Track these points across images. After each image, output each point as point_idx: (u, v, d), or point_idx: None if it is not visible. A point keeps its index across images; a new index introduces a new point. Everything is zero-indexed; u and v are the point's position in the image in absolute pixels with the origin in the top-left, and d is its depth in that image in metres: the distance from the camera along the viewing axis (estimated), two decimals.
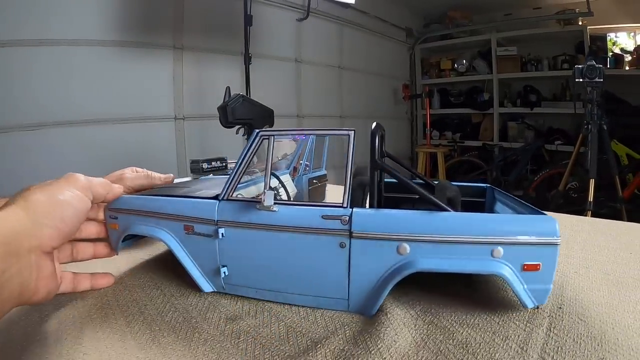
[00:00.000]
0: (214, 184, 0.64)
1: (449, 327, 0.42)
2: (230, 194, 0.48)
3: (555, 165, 3.27)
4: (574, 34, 3.70)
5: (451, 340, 0.39)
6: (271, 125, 1.44)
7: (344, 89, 3.74)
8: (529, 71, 4.07)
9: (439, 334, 0.40)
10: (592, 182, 2.21)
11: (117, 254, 0.56)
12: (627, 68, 3.57)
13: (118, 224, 0.54)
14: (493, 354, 0.36)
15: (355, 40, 3.81)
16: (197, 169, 1.14)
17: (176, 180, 0.72)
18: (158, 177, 0.68)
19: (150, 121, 2.31)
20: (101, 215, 0.55)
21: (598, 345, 0.37)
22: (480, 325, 0.41)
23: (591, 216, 1.81)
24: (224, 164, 1.18)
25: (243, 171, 0.48)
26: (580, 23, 3.67)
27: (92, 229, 0.55)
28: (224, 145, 2.38)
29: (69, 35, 1.92)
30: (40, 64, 1.84)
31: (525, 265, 0.41)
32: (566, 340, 0.38)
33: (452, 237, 0.41)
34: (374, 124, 0.48)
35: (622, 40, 3.79)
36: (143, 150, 2.24)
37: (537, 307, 0.44)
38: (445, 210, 0.43)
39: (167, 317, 0.46)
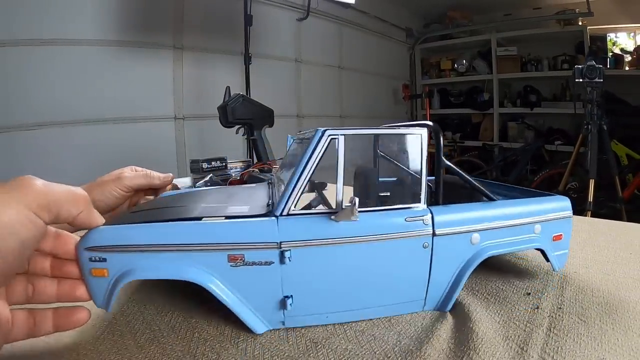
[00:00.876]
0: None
1: (451, 325, 0.42)
2: (292, 207, 0.41)
3: (555, 166, 3.27)
4: (574, 34, 3.70)
5: (453, 339, 0.39)
6: (271, 125, 1.44)
7: (344, 89, 3.75)
8: (529, 71, 4.06)
9: (442, 332, 0.41)
10: (592, 182, 2.21)
11: (108, 310, 0.39)
12: (627, 68, 3.57)
13: (107, 269, 0.38)
14: (494, 353, 0.36)
15: (355, 40, 3.81)
16: (197, 169, 1.14)
17: (176, 181, 0.72)
18: (157, 176, 0.65)
19: (150, 121, 2.31)
20: (62, 247, 0.38)
21: (598, 345, 0.37)
22: (481, 324, 0.41)
23: (591, 216, 1.81)
24: (224, 164, 1.18)
25: (308, 178, 0.41)
26: (580, 23, 3.66)
27: (47, 267, 0.38)
28: (224, 145, 2.38)
29: (69, 35, 1.92)
30: (38, 63, 1.84)
31: (554, 236, 0.51)
32: (566, 341, 0.38)
33: (508, 222, 0.47)
34: (431, 124, 0.49)
35: (622, 40, 3.79)
36: (143, 150, 2.24)
37: (538, 309, 0.45)
38: (494, 200, 0.50)
39: None
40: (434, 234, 0.43)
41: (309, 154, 0.41)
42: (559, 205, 0.52)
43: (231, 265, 0.39)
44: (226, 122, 1.35)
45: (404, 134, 0.46)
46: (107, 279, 0.38)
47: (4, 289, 0.35)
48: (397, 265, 0.43)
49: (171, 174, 0.68)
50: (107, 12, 2.06)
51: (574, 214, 0.53)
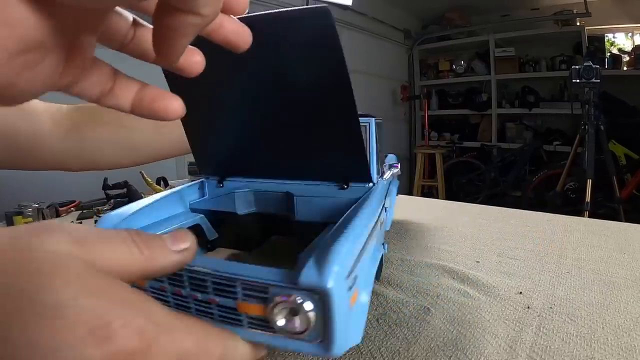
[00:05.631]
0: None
1: (439, 325, 0.42)
2: None
3: (554, 166, 3.27)
4: (572, 35, 3.71)
5: (441, 338, 0.39)
6: None
7: None
8: (527, 72, 4.07)
9: (430, 331, 0.41)
10: (589, 183, 2.21)
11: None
12: (624, 68, 3.58)
13: None
14: (482, 352, 0.36)
15: (353, 42, 3.81)
16: (195, 171, 1.14)
17: (173, 182, 0.72)
18: None
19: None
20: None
21: (587, 344, 0.37)
22: (470, 323, 0.41)
23: (589, 217, 1.81)
24: None
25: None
26: (578, 24, 3.67)
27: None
28: None
29: None
30: None
31: None
32: (555, 340, 0.38)
33: None
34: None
35: (620, 40, 3.80)
36: None
37: (529, 308, 0.45)
38: None
39: None
40: None
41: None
42: None
43: None
44: None
45: None
46: None
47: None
48: None
49: None
50: None
51: (572, 215, 0.53)
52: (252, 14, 0.30)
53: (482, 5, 4.12)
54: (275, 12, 0.33)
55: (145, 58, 0.27)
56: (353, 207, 0.35)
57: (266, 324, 0.26)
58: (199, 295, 0.28)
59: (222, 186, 0.46)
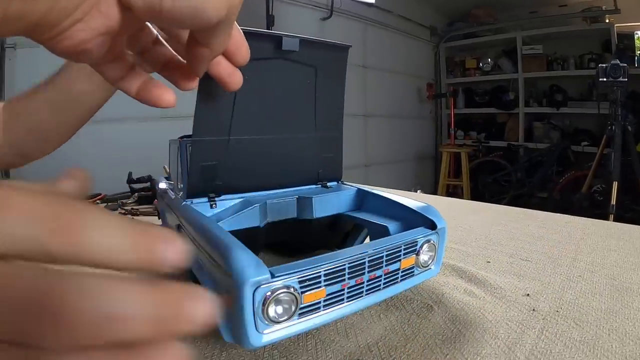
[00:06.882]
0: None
1: (440, 323, 0.42)
2: None
3: (581, 167, 3.20)
4: (601, 32, 3.61)
5: (440, 336, 0.40)
6: None
7: (368, 88, 3.73)
8: (555, 70, 3.98)
9: (429, 329, 0.41)
10: (615, 185, 2.15)
11: None
12: None
13: None
14: (479, 352, 0.36)
15: (379, 39, 3.80)
16: None
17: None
18: None
19: (174, 119, 2.35)
20: None
21: (590, 351, 0.37)
22: (472, 322, 0.42)
23: (614, 220, 1.76)
24: None
25: None
26: (607, 20, 3.57)
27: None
28: None
29: None
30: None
31: None
32: (556, 344, 0.38)
33: None
34: None
35: None
36: (165, 147, 2.27)
37: (534, 310, 0.44)
38: None
39: None
40: None
41: None
42: None
43: None
44: None
45: None
46: None
47: None
48: None
49: None
50: None
51: (597, 218, 0.53)
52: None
53: (509, 1, 4.05)
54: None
55: (152, 69, 0.36)
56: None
57: (410, 272, 0.42)
58: (376, 272, 0.37)
59: (216, 206, 0.48)
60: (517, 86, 4.21)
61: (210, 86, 0.41)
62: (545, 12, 3.99)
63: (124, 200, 1.14)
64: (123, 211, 1.07)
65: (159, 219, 0.76)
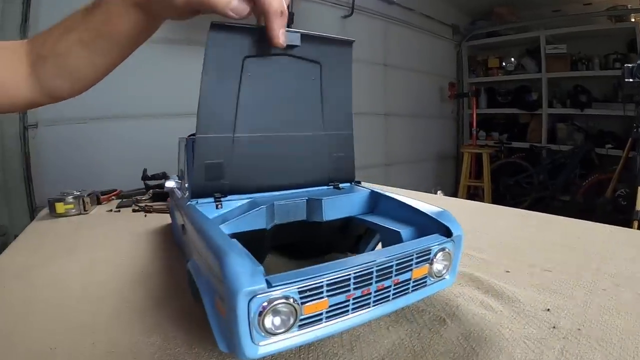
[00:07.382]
0: None
1: (453, 339, 0.40)
2: None
3: (605, 171, 3.11)
4: (626, 31, 3.48)
5: (451, 354, 0.37)
6: None
7: (389, 87, 3.69)
8: (579, 70, 3.87)
9: (440, 345, 0.39)
10: (639, 190, 2.08)
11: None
12: None
13: None
14: None
15: (400, 38, 3.75)
16: None
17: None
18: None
19: (191, 117, 2.35)
20: None
21: None
22: (486, 340, 0.39)
23: (637, 228, 1.70)
24: None
25: None
26: (632, 19, 3.46)
27: None
28: None
29: None
30: None
31: None
32: None
33: None
34: None
35: None
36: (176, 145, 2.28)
37: (555, 327, 0.42)
38: None
39: None
40: None
41: None
42: None
43: None
44: None
45: None
46: None
47: None
48: None
49: None
50: None
51: (621, 223, 0.49)
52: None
53: (532, 0, 3.95)
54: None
55: None
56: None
57: (422, 282, 0.40)
58: (385, 283, 0.36)
59: (221, 207, 0.46)
60: (540, 86, 4.11)
61: (213, 81, 0.40)
62: (569, 10, 3.89)
63: (138, 197, 1.14)
64: (137, 207, 1.07)
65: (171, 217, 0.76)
